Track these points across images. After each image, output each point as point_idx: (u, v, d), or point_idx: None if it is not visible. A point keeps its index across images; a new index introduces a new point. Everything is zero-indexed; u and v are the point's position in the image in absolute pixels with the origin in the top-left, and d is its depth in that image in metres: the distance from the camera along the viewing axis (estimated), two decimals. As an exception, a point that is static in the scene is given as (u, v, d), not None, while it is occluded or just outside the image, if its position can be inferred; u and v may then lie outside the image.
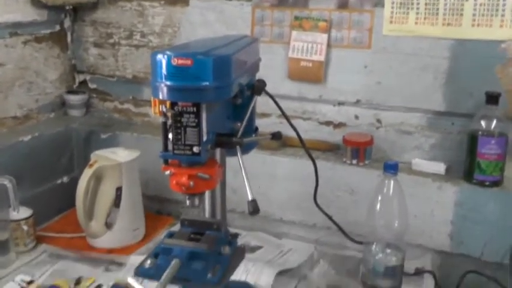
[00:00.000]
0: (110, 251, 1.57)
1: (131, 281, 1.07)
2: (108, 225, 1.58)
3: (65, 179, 1.84)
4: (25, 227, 1.53)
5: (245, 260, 1.22)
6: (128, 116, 1.92)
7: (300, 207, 1.63)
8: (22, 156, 1.66)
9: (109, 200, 1.56)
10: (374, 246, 1.33)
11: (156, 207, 1.84)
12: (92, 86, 1.95)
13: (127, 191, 1.57)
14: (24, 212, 1.53)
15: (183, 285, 1.11)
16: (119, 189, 1.56)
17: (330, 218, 1.51)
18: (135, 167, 1.59)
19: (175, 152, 1.04)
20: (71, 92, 1.92)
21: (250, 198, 1.08)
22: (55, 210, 1.77)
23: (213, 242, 1.13)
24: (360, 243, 1.43)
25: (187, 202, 1.10)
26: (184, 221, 1.19)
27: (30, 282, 1.35)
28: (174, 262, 1.06)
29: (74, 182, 1.69)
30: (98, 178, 1.54)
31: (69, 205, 1.71)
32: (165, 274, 1.03)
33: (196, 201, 1.11)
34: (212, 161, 1.10)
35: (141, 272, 1.10)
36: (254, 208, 1.08)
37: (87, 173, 1.50)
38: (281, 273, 1.46)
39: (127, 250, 1.57)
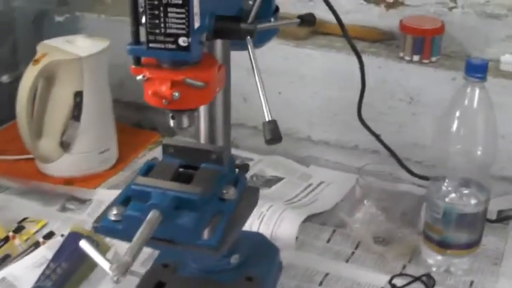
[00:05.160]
0: (69, 181, 1.55)
1: (84, 244, 0.96)
2: (65, 146, 1.55)
3: (5, 78, 1.80)
4: None
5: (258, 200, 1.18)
6: (93, -9, 1.89)
7: (336, 122, 1.62)
8: None
9: (65, 111, 1.53)
10: (445, 182, 1.26)
11: (135, 119, 1.83)
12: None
13: (90, 97, 1.54)
14: None
15: (165, 248, 1.06)
16: (78, 95, 1.52)
17: (379, 138, 1.49)
18: (102, 63, 1.55)
19: (151, 45, 0.94)
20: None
21: (267, 118, 0.98)
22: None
23: (211, 183, 1.04)
24: (424, 178, 1.41)
25: (171, 122, 1.02)
26: (168, 147, 1.11)
27: None
28: (152, 214, 0.97)
29: (17, 84, 1.67)
30: (48, 79, 1.50)
31: (9, 116, 1.68)
32: (138, 233, 0.94)
33: (185, 122, 1.02)
34: (209, 59, 1.00)
35: (103, 227, 1.03)
36: (273, 133, 0.96)
37: (32, 71, 1.45)
38: (309, 219, 1.42)
39: (92, 181, 1.57)
